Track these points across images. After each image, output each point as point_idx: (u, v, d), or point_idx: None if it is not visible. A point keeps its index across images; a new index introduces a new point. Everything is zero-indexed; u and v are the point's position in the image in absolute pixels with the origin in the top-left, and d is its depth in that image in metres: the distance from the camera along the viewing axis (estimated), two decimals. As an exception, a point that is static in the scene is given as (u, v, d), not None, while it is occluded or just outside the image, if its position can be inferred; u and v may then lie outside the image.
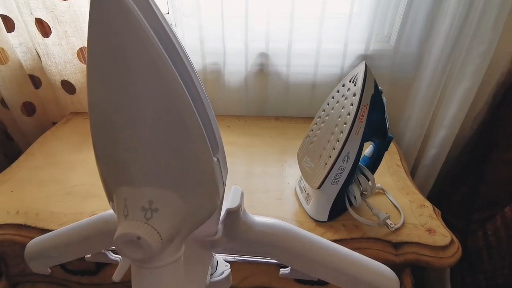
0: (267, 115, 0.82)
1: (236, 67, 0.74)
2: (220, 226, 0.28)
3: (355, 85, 0.43)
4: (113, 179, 0.21)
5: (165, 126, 0.18)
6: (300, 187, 0.57)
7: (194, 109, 0.18)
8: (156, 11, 0.19)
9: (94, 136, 0.19)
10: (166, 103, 0.18)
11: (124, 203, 0.20)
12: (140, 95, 0.18)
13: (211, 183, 0.22)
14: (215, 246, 0.28)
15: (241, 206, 0.28)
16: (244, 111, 0.81)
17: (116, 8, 0.16)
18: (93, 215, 0.53)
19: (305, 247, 0.32)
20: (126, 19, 0.16)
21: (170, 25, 0.19)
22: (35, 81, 0.80)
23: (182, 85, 0.17)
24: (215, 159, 0.22)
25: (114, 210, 0.23)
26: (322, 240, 0.33)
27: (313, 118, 0.51)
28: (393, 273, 0.33)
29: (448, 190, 0.80)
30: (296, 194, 0.57)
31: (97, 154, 0.20)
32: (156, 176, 0.19)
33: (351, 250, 0.33)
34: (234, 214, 0.28)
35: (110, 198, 0.23)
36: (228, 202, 0.28)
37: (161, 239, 0.20)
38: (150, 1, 0.19)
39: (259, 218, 0.31)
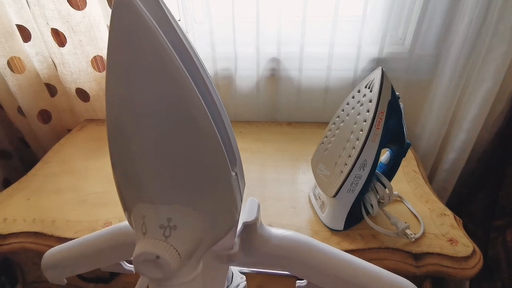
0: (279, 121, 0.81)
1: (248, 72, 0.74)
2: (236, 239, 0.27)
3: (371, 91, 0.42)
4: (131, 195, 0.20)
5: (183, 142, 0.18)
6: (314, 194, 0.56)
7: (213, 125, 0.18)
8: (173, 23, 0.18)
9: (112, 152, 0.19)
10: (184, 118, 0.17)
11: (142, 220, 0.19)
12: (157, 108, 0.17)
13: (230, 199, 0.21)
14: (232, 260, 0.28)
15: (258, 218, 0.28)
16: (255, 116, 0.81)
17: (134, 20, 0.15)
18: (107, 223, 0.53)
19: (323, 261, 0.31)
20: (144, 32, 0.16)
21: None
22: (51, 89, 0.82)
23: (202, 101, 0.17)
24: (233, 173, 0.21)
25: (130, 224, 0.23)
26: (341, 253, 0.32)
27: (326, 122, 0.50)
28: (416, 288, 0.32)
29: (468, 196, 0.77)
30: (310, 202, 0.56)
31: (115, 170, 0.20)
32: (175, 193, 0.19)
33: (371, 264, 0.32)
34: (251, 227, 0.27)
35: (127, 212, 0.22)
36: (245, 215, 0.28)
37: (180, 257, 0.19)
38: (167, 12, 0.19)
39: (276, 231, 0.30)
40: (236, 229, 0.27)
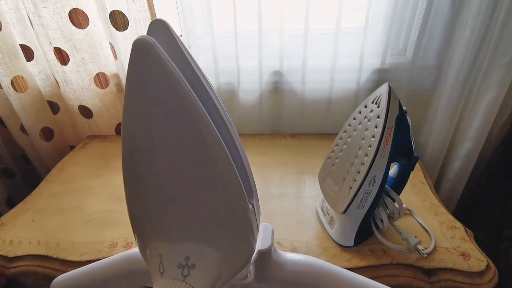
0: (282, 133, 0.81)
1: (250, 85, 0.74)
2: (251, 267, 0.27)
3: (378, 107, 0.42)
4: (146, 233, 0.20)
5: (201, 179, 0.18)
6: (322, 209, 0.55)
7: (232, 162, 0.18)
8: (190, 61, 0.18)
9: (128, 190, 0.19)
10: (203, 157, 0.17)
11: (159, 259, 0.19)
12: (175, 148, 0.17)
13: (247, 232, 0.20)
14: (247, 288, 0.27)
15: (272, 245, 0.27)
16: (259, 129, 0.81)
17: (153, 64, 0.15)
18: (113, 243, 0.52)
19: (338, 285, 0.30)
20: (163, 75, 0.15)
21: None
22: (53, 107, 0.82)
23: (221, 141, 0.17)
24: (250, 205, 0.21)
25: (144, 259, 0.22)
26: (355, 276, 0.31)
27: (329, 134, 0.50)
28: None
29: (476, 205, 0.77)
30: (318, 217, 0.55)
31: (130, 208, 0.19)
32: (193, 231, 0.19)
33: (386, 286, 0.31)
34: (266, 254, 0.27)
35: (142, 248, 0.22)
36: (259, 242, 0.27)
37: (198, 296, 0.19)
38: (184, 51, 0.18)
39: (289, 255, 0.30)
40: (251, 258, 0.26)
